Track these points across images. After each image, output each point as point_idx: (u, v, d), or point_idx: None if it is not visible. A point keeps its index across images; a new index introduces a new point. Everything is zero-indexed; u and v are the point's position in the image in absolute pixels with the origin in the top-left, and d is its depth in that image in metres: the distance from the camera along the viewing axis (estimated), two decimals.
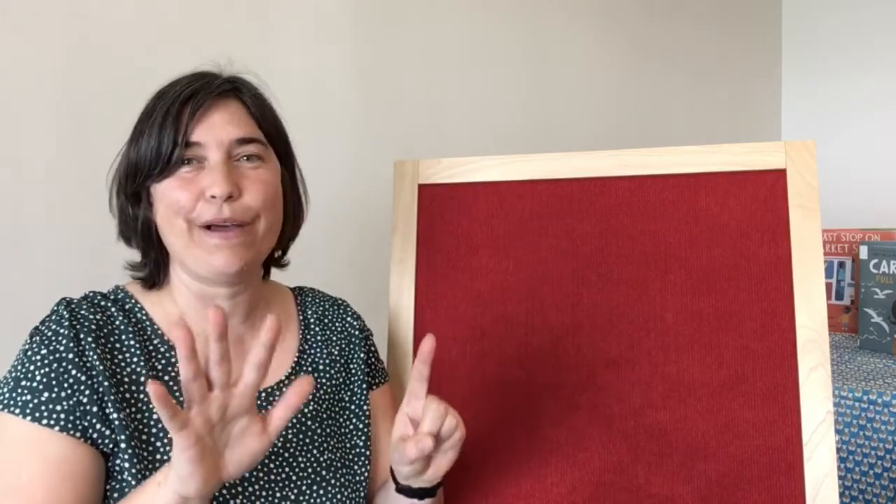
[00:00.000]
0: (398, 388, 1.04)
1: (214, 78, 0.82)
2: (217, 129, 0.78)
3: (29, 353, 0.75)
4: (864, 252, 1.80)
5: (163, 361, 0.80)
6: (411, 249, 1.07)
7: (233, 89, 0.82)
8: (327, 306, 0.97)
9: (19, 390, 0.73)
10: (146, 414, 0.77)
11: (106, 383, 0.75)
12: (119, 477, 0.74)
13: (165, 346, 0.81)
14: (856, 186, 2.38)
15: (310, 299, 0.97)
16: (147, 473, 0.74)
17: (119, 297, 0.83)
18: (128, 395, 0.76)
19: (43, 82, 1.08)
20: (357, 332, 0.96)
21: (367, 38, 1.47)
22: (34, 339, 0.76)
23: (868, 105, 2.46)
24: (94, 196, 1.09)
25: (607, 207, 1.03)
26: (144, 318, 0.82)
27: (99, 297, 0.82)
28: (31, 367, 0.74)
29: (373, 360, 0.97)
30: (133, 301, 0.83)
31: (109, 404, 0.74)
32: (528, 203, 1.05)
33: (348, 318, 0.97)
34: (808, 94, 2.62)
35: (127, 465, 0.74)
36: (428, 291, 1.06)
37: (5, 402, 0.73)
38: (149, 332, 0.81)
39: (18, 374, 0.74)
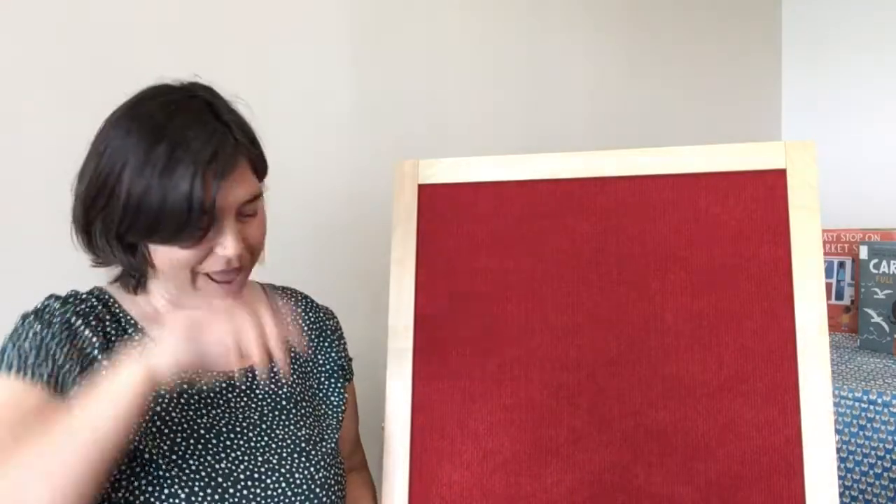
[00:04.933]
0: (399, 387, 1.04)
1: (226, 134, 0.78)
2: (233, 194, 0.78)
3: (18, 331, 0.79)
4: (864, 252, 1.80)
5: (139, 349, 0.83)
6: (411, 249, 1.07)
7: (245, 148, 0.80)
8: (300, 299, 1.02)
9: (8, 354, 0.77)
10: None
11: (98, 355, 0.79)
12: None
13: (140, 335, 0.84)
14: (856, 186, 2.38)
15: (280, 292, 1.01)
16: (173, 434, 0.80)
17: (96, 294, 0.87)
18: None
19: (43, 82, 1.08)
20: (329, 332, 1.01)
21: (367, 38, 1.47)
22: (27, 319, 0.80)
23: (868, 105, 2.45)
24: None
25: (607, 207, 1.03)
26: (119, 311, 0.85)
27: (82, 294, 0.86)
28: (19, 340, 0.78)
29: (346, 355, 1.03)
30: (108, 297, 0.87)
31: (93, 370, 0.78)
32: (528, 203, 1.05)
33: (320, 314, 1.03)
34: (808, 94, 2.62)
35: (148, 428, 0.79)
36: (428, 291, 1.06)
37: None
38: (123, 323, 0.84)
39: (4, 345, 0.79)
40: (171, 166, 0.73)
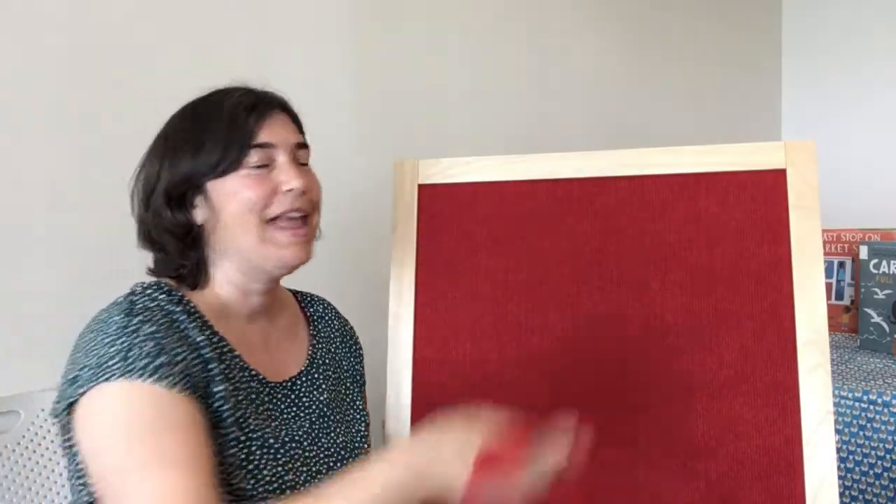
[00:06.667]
0: (400, 387, 1.04)
1: (266, 92, 0.88)
2: (284, 133, 0.85)
3: (129, 328, 0.75)
4: (864, 252, 1.79)
5: (217, 351, 0.81)
6: (411, 249, 1.07)
7: (280, 103, 0.88)
8: (326, 305, 1.03)
9: (131, 358, 0.72)
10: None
11: (209, 355, 0.78)
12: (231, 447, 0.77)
13: (217, 337, 0.82)
14: (856, 186, 2.38)
15: (308, 298, 1.02)
16: (249, 442, 0.78)
17: (165, 289, 0.83)
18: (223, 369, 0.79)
19: (43, 84, 1.08)
20: (348, 338, 1.03)
21: (367, 38, 1.47)
22: (129, 317, 0.76)
23: (868, 105, 2.45)
24: (96, 197, 1.09)
25: (607, 207, 1.03)
26: (194, 310, 0.83)
27: (153, 289, 0.82)
28: (137, 339, 0.74)
29: (361, 363, 1.03)
30: (179, 294, 0.83)
31: (215, 377, 0.78)
32: (528, 203, 1.05)
33: (342, 319, 1.04)
34: (808, 94, 2.61)
35: (233, 434, 0.77)
36: (428, 291, 1.06)
37: (123, 369, 0.71)
38: (199, 324, 0.82)
39: (123, 346, 0.73)
40: (211, 117, 0.83)
